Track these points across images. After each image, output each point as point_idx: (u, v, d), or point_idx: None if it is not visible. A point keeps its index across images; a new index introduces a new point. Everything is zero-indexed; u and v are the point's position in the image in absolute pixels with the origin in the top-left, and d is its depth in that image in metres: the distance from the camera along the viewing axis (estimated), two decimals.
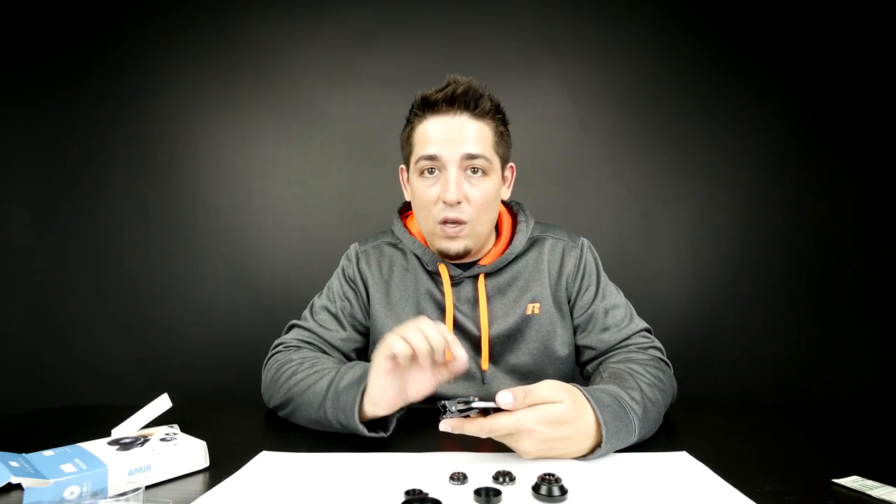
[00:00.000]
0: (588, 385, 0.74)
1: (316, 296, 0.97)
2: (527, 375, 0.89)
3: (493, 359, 0.89)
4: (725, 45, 1.61)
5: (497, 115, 0.87)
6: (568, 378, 0.93)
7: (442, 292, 0.90)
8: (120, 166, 1.57)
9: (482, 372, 0.88)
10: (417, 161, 0.84)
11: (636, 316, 0.92)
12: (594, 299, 0.91)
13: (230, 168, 1.59)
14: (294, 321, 0.94)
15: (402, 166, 0.94)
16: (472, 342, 0.89)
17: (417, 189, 0.86)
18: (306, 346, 0.89)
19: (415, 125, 0.86)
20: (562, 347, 0.91)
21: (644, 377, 0.74)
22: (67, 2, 1.56)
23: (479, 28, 1.60)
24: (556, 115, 1.61)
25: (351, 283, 0.94)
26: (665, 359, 0.85)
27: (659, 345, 0.88)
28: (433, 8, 1.60)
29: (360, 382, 0.68)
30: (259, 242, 1.59)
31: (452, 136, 0.82)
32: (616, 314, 0.90)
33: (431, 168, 0.84)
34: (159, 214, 1.57)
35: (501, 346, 0.89)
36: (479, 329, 0.88)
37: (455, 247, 0.85)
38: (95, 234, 1.56)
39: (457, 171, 0.82)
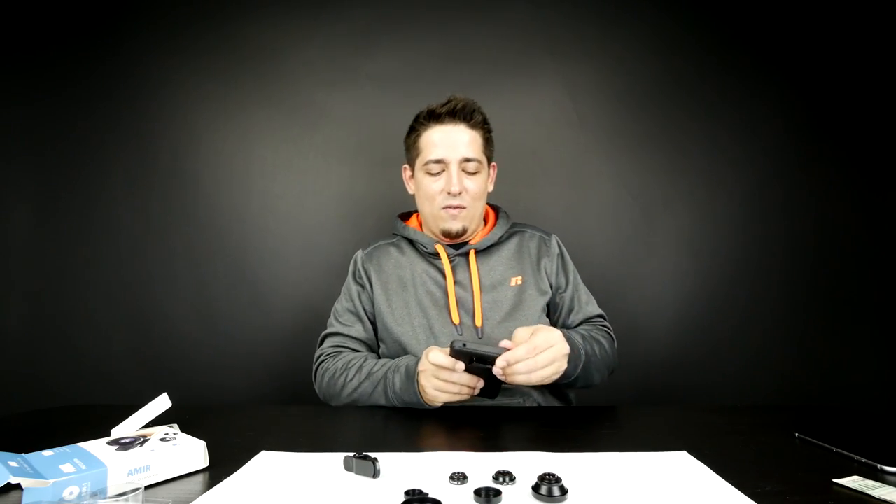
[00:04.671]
0: None
1: (336, 302, 1.14)
2: (512, 331, 0.99)
3: (486, 318, 1.04)
4: (725, 45, 1.60)
5: (485, 125, 1.09)
6: None
7: (439, 270, 1.09)
8: (120, 166, 1.57)
9: (476, 328, 1.04)
10: (426, 163, 1.06)
11: (593, 300, 1.13)
12: (568, 288, 1.12)
13: (230, 168, 1.59)
14: (325, 332, 1.11)
15: (406, 165, 1.16)
16: (467, 306, 1.06)
17: (424, 184, 1.08)
18: (341, 349, 1.07)
19: (420, 132, 1.08)
20: (539, 311, 1.08)
21: (585, 332, 0.99)
22: (67, 2, 1.56)
23: (479, 28, 1.60)
24: (556, 114, 1.60)
25: (359, 281, 1.13)
26: (609, 329, 1.09)
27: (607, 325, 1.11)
28: (433, 8, 1.60)
29: (412, 381, 0.87)
30: (259, 242, 1.58)
31: (453, 142, 1.05)
32: (581, 299, 1.12)
33: (437, 169, 1.06)
34: (159, 214, 1.57)
35: (491, 309, 1.05)
36: (472, 294, 1.05)
37: (455, 225, 1.08)
38: (96, 234, 1.56)
39: (457, 169, 1.05)
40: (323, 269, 1.54)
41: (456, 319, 1.03)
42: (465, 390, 0.81)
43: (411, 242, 1.13)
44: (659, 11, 1.60)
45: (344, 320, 1.10)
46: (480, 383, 0.81)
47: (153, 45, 1.57)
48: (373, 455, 0.59)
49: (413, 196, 1.15)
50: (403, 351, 1.03)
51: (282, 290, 1.57)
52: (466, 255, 1.09)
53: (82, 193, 1.56)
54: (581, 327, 1.06)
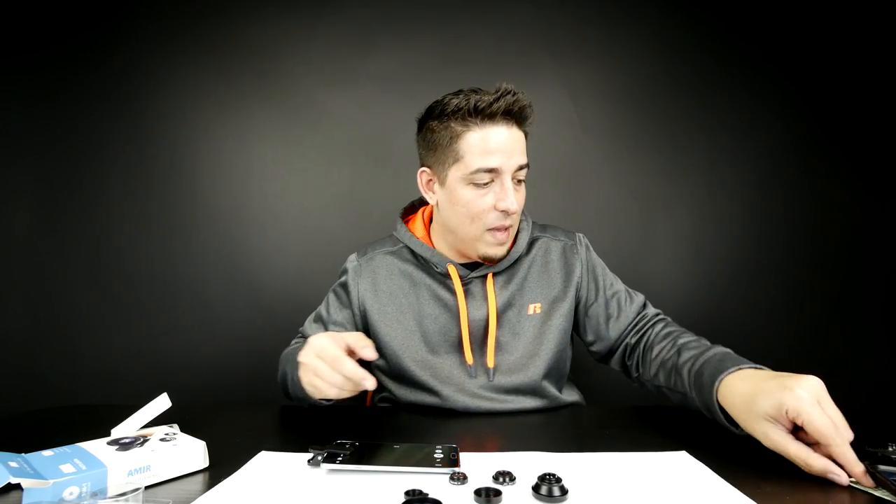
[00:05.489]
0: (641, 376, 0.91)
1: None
2: (527, 367, 0.91)
3: (499, 356, 0.91)
4: (726, 46, 1.60)
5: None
6: (565, 372, 0.99)
7: (451, 292, 0.92)
8: (120, 166, 1.57)
9: (487, 369, 0.90)
10: (473, 172, 0.83)
11: (632, 293, 1.00)
12: (599, 296, 0.98)
13: (230, 168, 1.59)
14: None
15: (424, 169, 0.92)
16: (479, 340, 0.91)
17: (466, 198, 0.86)
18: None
19: (461, 133, 0.84)
20: (562, 345, 0.94)
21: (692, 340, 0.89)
22: (67, 2, 1.56)
23: (479, 28, 1.60)
24: (556, 115, 1.60)
25: (342, 298, 0.99)
26: (666, 318, 0.98)
27: (657, 311, 1.00)
28: (433, 8, 1.60)
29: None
30: (259, 242, 1.59)
31: (510, 147, 0.84)
32: (621, 299, 0.98)
33: (487, 179, 0.84)
34: (159, 214, 1.57)
35: (507, 344, 0.92)
36: (486, 327, 0.91)
37: (501, 251, 0.90)
38: (96, 234, 1.56)
39: (511, 181, 0.85)
40: (323, 268, 1.54)
41: (470, 359, 0.90)
42: (349, 385, 0.67)
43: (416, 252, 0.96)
44: (659, 12, 1.60)
45: (313, 328, 1.00)
46: (370, 381, 0.66)
47: (153, 45, 1.57)
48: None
49: (429, 204, 0.98)
50: (402, 370, 0.92)
51: (282, 290, 1.57)
52: (483, 277, 0.93)
53: (82, 194, 1.56)
54: (674, 347, 0.88)
